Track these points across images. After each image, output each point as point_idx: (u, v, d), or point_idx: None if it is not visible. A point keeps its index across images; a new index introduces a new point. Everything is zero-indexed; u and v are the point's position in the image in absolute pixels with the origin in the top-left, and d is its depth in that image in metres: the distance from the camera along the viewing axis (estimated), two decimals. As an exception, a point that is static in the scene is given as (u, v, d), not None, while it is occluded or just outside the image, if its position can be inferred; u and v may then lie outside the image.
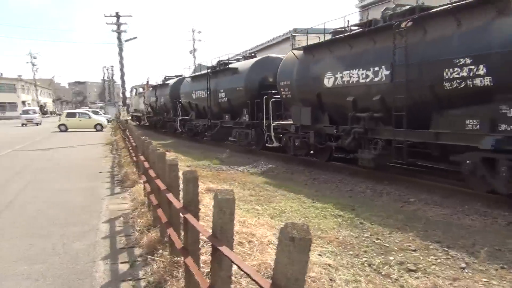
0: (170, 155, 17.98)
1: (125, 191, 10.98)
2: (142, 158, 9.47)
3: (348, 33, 12.95)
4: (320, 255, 6.57)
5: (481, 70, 9.33)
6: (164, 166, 6.76)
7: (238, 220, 7.32)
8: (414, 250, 6.90)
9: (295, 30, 26.62)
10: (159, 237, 6.80)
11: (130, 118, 41.97)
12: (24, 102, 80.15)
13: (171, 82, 34.36)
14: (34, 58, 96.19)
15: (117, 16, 38.66)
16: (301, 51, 15.57)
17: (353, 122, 12.82)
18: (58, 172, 14.27)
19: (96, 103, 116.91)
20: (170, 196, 5.82)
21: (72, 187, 11.69)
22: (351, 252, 6.77)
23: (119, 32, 37.88)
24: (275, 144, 17.44)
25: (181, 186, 5.62)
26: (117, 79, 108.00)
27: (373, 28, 12.03)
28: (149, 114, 40.90)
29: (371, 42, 12.13)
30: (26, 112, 50.46)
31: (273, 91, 17.88)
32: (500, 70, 8.96)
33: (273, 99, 17.72)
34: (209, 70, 24.79)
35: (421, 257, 6.66)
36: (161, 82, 37.36)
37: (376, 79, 11.95)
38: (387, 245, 7.11)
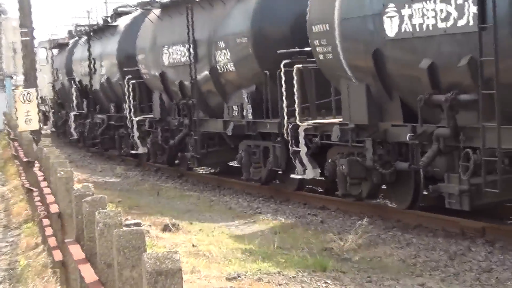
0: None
1: None
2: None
3: None
4: None
5: (228, 55, 18.54)
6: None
7: None
8: None
9: None
10: None
11: (47, 128, 39.44)
12: None
13: (72, 41, 37.13)
14: None
15: None
16: (158, 11, 23.50)
17: (180, 113, 21.93)
18: None
19: None
20: None
21: None
22: None
23: None
24: (141, 149, 24.77)
25: None
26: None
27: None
28: (53, 108, 41.97)
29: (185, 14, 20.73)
30: None
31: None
32: (236, 57, 18.33)
33: (134, 81, 25.06)
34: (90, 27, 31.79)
35: None
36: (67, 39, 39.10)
37: (186, 59, 21.02)
38: None
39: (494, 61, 10.39)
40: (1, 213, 17.71)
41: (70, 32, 40.48)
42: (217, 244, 12.51)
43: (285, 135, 16.34)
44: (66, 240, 7.96)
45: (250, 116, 18.13)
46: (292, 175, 16.47)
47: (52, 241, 9.50)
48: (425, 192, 13.84)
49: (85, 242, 6.78)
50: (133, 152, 25.86)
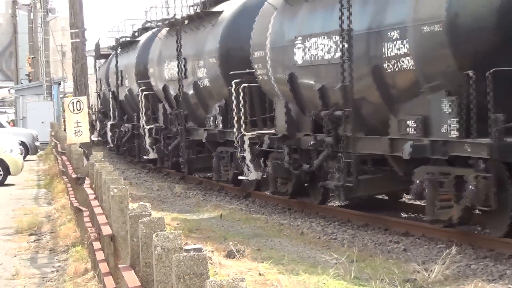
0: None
1: None
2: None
3: None
4: None
5: (205, 73, 23.39)
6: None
7: None
8: None
9: None
10: None
11: (93, 137, 38.24)
12: None
13: (112, 53, 38.96)
14: None
15: None
16: (166, 30, 28.43)
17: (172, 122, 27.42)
18: None
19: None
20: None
21: None
22: None
23: None
24: (152, 155, 28.83)
25: None
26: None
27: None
28: (98, 118, 45.20)
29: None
30: None
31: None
32: (210, 74, 23.19)
33: (146, 92, 29.45)
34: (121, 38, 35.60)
35: None
36: (111, 48, 40.00)
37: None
38: None
39: (349, 86, 14.13)
40: (47, 235, 16.35)
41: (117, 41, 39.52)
42: (287, 273, 11.59)
43: (234, 142, 20.10)
44: (119, 266, 7.65)
45: (220, 126, 22.04)
46: (239, 177, 20.24)
47: (104, 267, 8.92)
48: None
49: (141, 268, 6.54)
50: (145, 157, 29.99)
